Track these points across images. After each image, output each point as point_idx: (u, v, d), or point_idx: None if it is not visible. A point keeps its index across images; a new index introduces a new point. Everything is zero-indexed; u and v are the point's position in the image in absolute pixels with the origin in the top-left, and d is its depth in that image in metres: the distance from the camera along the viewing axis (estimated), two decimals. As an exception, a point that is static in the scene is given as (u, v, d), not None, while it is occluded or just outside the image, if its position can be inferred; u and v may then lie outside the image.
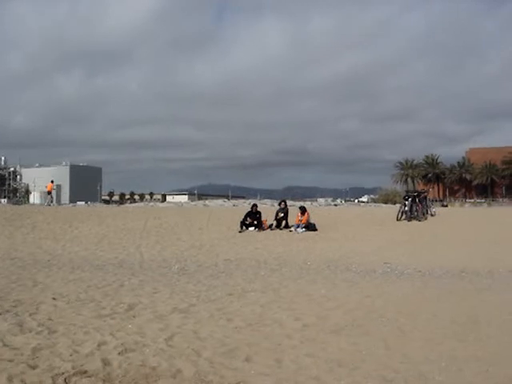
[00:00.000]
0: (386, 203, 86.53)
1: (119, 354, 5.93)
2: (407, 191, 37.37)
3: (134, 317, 7.80)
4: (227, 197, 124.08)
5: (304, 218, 24.75)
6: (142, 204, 69.80)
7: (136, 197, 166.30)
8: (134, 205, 67.31)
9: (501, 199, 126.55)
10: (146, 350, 6.13)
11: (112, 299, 9.08)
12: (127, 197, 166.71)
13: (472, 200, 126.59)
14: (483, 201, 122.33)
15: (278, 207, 26.88)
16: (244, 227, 24.56)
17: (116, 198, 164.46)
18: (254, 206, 26.01)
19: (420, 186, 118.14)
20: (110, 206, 68.13)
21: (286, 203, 26.47)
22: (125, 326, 7.18)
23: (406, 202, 29.86)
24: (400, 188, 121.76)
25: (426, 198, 33.58)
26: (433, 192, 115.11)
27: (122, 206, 62.90)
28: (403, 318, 7.85)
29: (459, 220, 35.04)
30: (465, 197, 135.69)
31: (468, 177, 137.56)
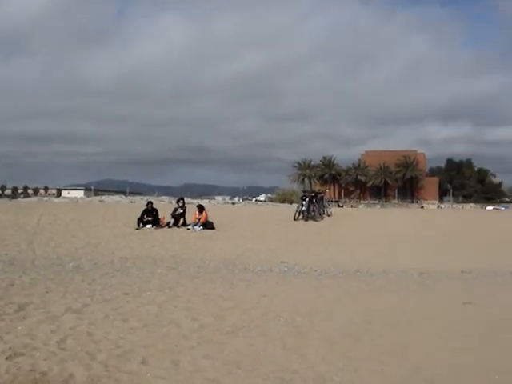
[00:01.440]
0: (283, 202, 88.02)
1: (7, 358, 5.59)
2: (304, 191, 38.06)
3: (24, 318, 7.42)
4: (125, 193, 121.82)
5: (202, 217, 24.65)
6: (35, 199, 67.31)
7: (30, 191, 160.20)
8: (27, 199, 64.78)
9: (394, 201, 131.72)
10: (36, 353, 5.83)
11: (1, 299, 8.62)
12: (20, 191, 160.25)
13: (366, 201, 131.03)
14: (377, 202, 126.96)
15: (176, 205, 26.60)
16: (141, 224, 24.14)
17: (8, 192, 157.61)
18: (149, 203, 25.58)
19: (317, 187, 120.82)
20: (1, 200, 65.24)
21: (183, 201, 26.24)
22: (14, 328, 6.81)
23: (304, 202, 30.40)
24: (297, 188, 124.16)
25: (322, 198, 34.34)
26: (329, 192, 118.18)
27: (15, 200, 60.36)
28: (300, 318, 7.93)
29: (354, 220, 36.12)
30: (360, 198, 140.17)
31: (363, 178, 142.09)
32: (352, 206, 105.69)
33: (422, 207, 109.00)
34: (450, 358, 6.16)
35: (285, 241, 21.12)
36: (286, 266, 14.04)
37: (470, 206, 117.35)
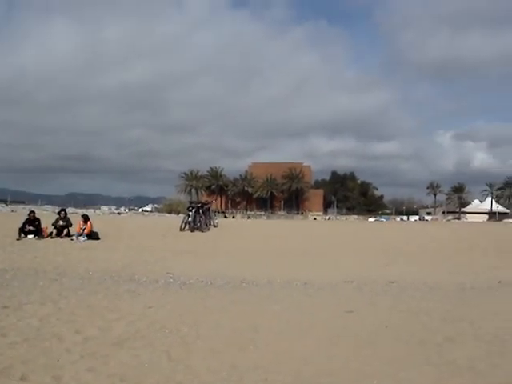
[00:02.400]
0: (170, 213, 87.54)
1: None
2: (191, 202, 38.08)
3: None
4: (6, 201, 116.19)
5: (87, 227, 24.04)
6: None
7: None
8: None
9: (280, 212, 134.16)
10: None
11: None
12: None
13: (253, 212, 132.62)
14: (263, 213, 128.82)
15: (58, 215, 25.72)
16: (23, 235, 23.19)
17: None
18: (32, 212, 24.68)
19: (204, 197, 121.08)
20: None
21: (65, 212, 25.42)
22: None
23: (190, 213, 30.37)
24: (184, 198, 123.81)
25: (209, 209, 34.44)
26: (216, 203, 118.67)
27: None
28: (186, 328, 7.93)
29: (240, 231, 36.46)
30: (246, 209, 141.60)
31: (250, 190, 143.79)
32: (233, 217, 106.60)
33: (315, 219, 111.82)
34: (329, 365, 6.39)
35: (171, 251, 20.99)
36: (171, 277, 13.97)
37: (353, 218, 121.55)
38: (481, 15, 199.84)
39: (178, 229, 30.27)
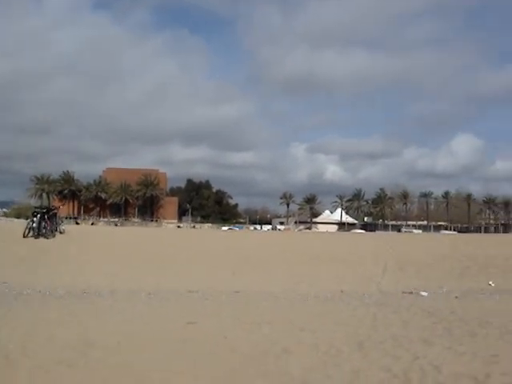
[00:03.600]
0: (18, 218, 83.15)
1: None
2: (36, 207, 36.19)
3: None
4: None
5: None
6: None
7: None
8: None
9: (134, 219, 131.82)
10: None
11: None
12: None
13: (106, 219, 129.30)
14: (117, 220, 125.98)
15: None
16: None
17: None
18: None
19: (56, 202, 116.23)
20: None
21: None
22: None
23: (35, 218, 28.84)
24: (35, 203, 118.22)
25: (56, 214, 32.91)
26: (67, 209, 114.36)
27: None
28: (13, 345, 7.34)
29: (90, 238, 35.19)
30: (99, 215, 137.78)
31: (103, 195, 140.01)
32: (92, 224, 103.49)
33: (179, 227, 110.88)
34: (165, 380, 6.15)
35: (10, 259, 19.73)
36: (7, 287, 13.08)
37: (207, 226, 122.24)
38: (336, 36, 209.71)
39: (22, 235, 28.61)
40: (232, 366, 6.79)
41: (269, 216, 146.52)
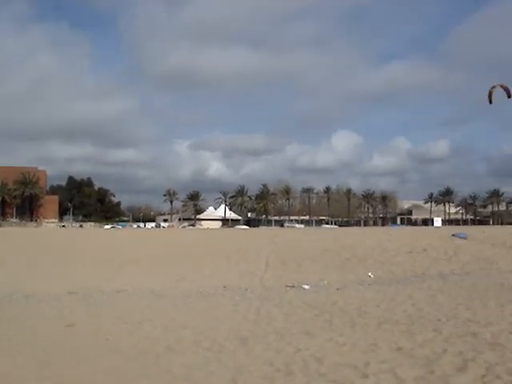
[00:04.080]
0: None
1: None
2: None
3: None
4: None
5: None
6: None
7: None
8: None
9: (12, 219, 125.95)
10: None
11: None
12: None
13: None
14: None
15: None
16: None
17: None
18: None
19: None
20: None
21: None
22: None
23: None
24: None
25: None
26: None
27: None
28: None
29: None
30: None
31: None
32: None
33: (64, 226, 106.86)
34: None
35: None
36: None
37: (89, 225, 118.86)
38: (219, 33, 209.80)
39: None
40: (113, 367, 6.56)
41: (152, 213, 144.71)
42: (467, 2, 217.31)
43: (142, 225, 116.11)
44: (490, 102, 16.56)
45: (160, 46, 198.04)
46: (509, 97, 16.54)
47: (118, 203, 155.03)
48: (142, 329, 8.94)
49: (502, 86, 16.60)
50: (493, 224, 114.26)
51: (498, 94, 16.43)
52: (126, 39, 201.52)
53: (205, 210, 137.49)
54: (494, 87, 16.56)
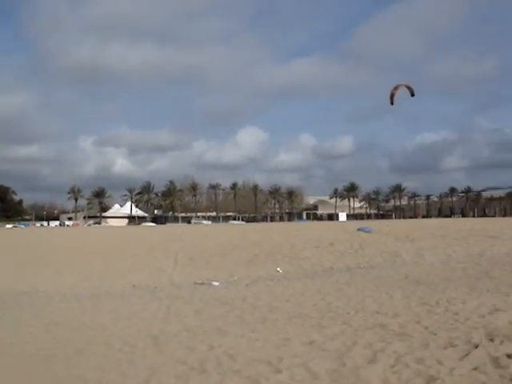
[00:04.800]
0: None
1: None
2: None
3: None
4: None
5: None
6: None
7: None
8: None
9: None
10: None
11: None
12: None
13: None
14: None
15: None
16: None
17: None
18: None
19: None
20: None
21: None
22: None
23: None
24: None
25: None
26: None
27: None
28: None
29: None
30: None
31: None
32: None
33: None
34: None
35: None
36: None
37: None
38: (125, 27, 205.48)
39: None
40: (19, 373, 6.24)
41: (56, 212, 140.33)
42: (371, 2, 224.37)
43: (45, 223, 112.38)
44: (392, 103, 16.99)
45: (64, 39, 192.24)
46: (412, 95, 17.10)
47: (20, 201, 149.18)
48: (50, 332, 8.60)
49: (405, 86, 17.11)
50: (395, 218, 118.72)
51: (401, 91, 16.93)
52: (27, 32, 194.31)
53: (110, 208, 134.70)
54: (396, 88, 17.01)
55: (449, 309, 9.32)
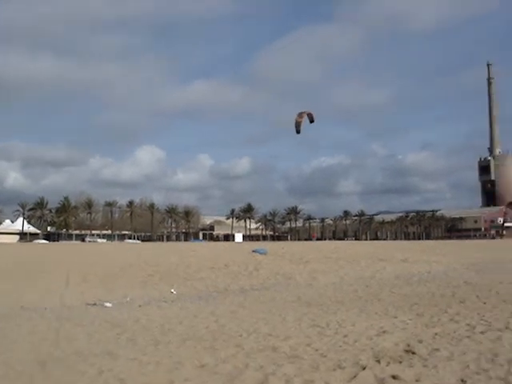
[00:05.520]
0: None
1: None
2: None
3: None
4: None
5: None
6: None
7: None
8: None
9: None
10: None
11: None
12: None
13: None
14: None
15: None
16: None
17: None
18: None
19: None
20: None
21: None
22: None
23: None
24: None
25: None
26: None
27: None
28: None
29: None
30: None
31: None
32: None
33: None
34: None
35: None
36: None
37: None
38: (23, 38, 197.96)
39: None
40: None
41: None
42: (271, 29, 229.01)
43: None
44: (299, 131, 17.11)
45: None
46: (311, 121, 17.43)
47: None
48: None
49: (308, 113, 17.34)
50: (290, 240, 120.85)
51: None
52: None
53: (1, 223, 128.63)
54: (301, 116, 17.16)
55: (339, 331, 9.61)
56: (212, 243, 74.60)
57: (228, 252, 31.75)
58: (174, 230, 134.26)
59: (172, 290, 18.45)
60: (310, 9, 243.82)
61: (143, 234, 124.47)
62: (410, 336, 8.95)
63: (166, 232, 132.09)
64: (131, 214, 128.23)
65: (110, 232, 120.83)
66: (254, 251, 31.03)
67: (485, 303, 13.08)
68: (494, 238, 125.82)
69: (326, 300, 14.70)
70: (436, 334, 9.13)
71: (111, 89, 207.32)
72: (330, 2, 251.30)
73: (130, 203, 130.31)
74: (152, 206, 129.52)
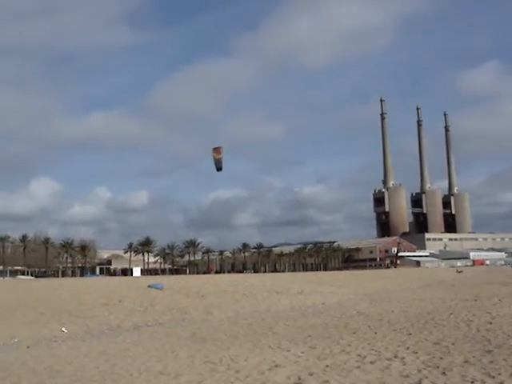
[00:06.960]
0: None
1: None
2: None
3: None
4: None
5: None
6: None
7: None
8: None
9: None
10: None
11: None
12: None
13: None
14: None
15: None
16: None
17: None
18: None
19: None
20: None
21: None
22: None
23: None
24: None
25: None
26: None
27: None
28: None
29: None
30: None
31: None
32: None
33: None
34: None
35: None
36: None
37: None
38: None
39: None
40: None
41: None
42: (169, 62, 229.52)
43: None
44: (220, 169, 16.86)
45: None
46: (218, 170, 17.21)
47: None
48: None
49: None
50: (189, 273, 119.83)
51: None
52: None
53: None
54: (219, 152, 16.90)
55: (231, 366, 9.60)
56: (108, 278, 72.66)
57: (123, 287, 31.03)
58: (69, 264, 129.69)
59: (63, 329, 17.82)
60: (208, 42, 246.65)
61: (37, 269, 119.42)
62: (302, 369, 9.08)
63: (61, 267, 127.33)
64: (24, 249, 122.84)
65: (1, 268, 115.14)
66: (149, 286, 30.51)
67: (376, 333, 13.47)
68: (388, 267, 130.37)
69: (220, 335, 14.65)
70: (327, 365, 9.31)
71: (2, 117, 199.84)
72: (226, 35, 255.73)
73: (24, 237, 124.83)
74: (47, 240, 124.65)
